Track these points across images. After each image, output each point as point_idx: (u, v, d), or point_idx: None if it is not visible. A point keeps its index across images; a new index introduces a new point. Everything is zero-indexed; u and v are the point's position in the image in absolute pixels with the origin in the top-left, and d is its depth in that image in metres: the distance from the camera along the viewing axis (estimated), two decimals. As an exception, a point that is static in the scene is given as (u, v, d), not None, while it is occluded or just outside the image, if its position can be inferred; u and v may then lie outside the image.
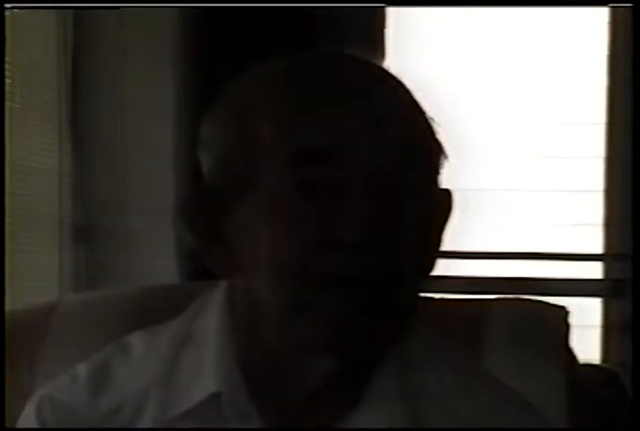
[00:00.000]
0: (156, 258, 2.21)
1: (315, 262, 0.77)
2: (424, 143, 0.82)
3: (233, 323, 0.86)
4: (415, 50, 2.34)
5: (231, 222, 0.82)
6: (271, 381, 0.84)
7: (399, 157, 0.79)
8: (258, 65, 0.86)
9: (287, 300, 0.79)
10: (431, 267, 0.82)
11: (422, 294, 0.83)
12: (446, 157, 0.83)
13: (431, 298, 0.99)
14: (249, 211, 0.80)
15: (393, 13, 2.22)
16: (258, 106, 0.81)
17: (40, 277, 2.14)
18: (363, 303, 0.78)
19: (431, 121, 0.83)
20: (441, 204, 0.84)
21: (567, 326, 1.13)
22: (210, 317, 0.87)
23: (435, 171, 0.83)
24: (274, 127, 0.80)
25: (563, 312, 1.14)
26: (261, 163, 0.79)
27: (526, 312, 1.14)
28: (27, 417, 0.87)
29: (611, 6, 2.24)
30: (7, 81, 1.95)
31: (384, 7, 2.14)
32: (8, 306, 1.33)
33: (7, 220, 1.82)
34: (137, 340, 0.90)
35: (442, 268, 0.84)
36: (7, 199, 1.78)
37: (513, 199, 2.39)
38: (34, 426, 0.86)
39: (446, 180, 0.84)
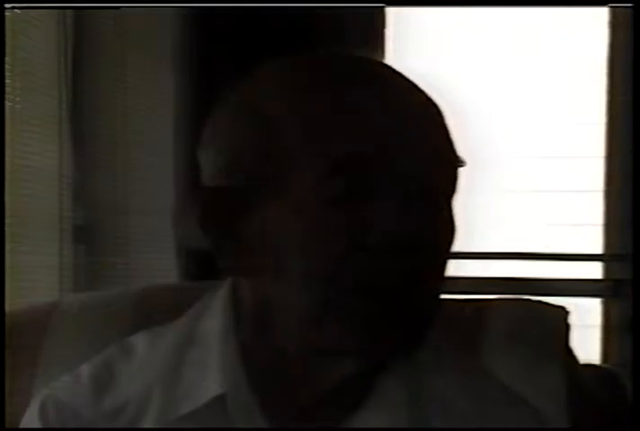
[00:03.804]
0: (156, 258, 2.21)
1: (347, 266, 0.77)
2: (449, 148, 0.82)
3: (237, 324, 0.85)
4: (415, 50, 2.34)
5: (250, 223, 0.81)
6: (278, 382, 0.84)
7: (429, 164, 0.80)
8: (274, 64, 0.85)
9: (315, 303, 0.78)
10: (447, 270, 0.83)
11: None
12: (464, 163, 0.83)
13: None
14: (272, 214, 0.79)
15: (393, 13, 2.22)
16: (283, 107, 0.80)
17: (39, 277, 2.14)
18: (392, 306, 0.78)
19: (449, 127, 0.83)
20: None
21: (567, 326, 1.13)
22: (214, 318, 0.87)
23: (456, 176, 0.83)
24: (305, 132, 0.79)
25: (563, 312, 1.14)
26: (287, 167, 0.78)
27: (526, 313, 1.14)
28: (30, 417, 0.87)
29: (611, 6, 2.24)
30: (7, 81, 1.95)
31: (384, 7, 2.15)
32: (8, 306, 1.32)
33: (7, 220, 1.82)
34: (140, 341, 0.90)
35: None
36: (7, 199, 1.78)
37: (513, 199, 2.39)
38: (37, 426, 0.86)
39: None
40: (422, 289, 0.80)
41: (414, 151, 0.79)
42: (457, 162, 0.82)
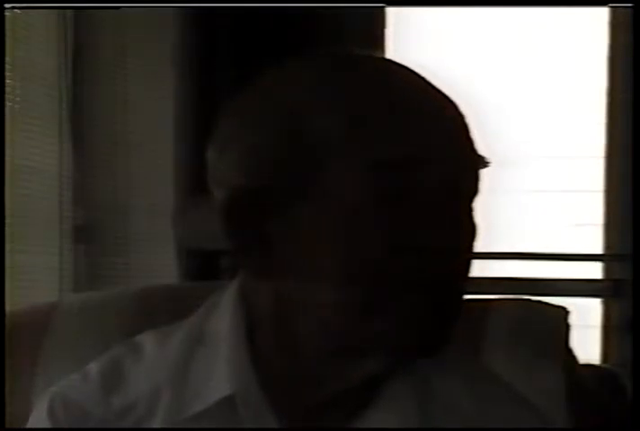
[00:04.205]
0: (156, 258, 2.22)
1: (386, 266, 0.77)
2: (475, 149, 0.82)
3: (247, 324, 0.85)
4: (415, 50, 2.34)
5: (279, 223, 0.80)
6: (290, 383, 0.84)
7: (463, 166, 0.80)
8: (298, 63, 0.84)
9: (352, 302, 0.78)
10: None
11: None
12: (489, 163, 0.84)
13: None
14: (306, 213, 0.79)
15: (393, 13, 2.22)
16: (318, 107, 0.79)
17: (39, 277, 2.14)
18: (428, 306, 0.79)
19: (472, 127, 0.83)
20: None
21: (567, 326, 1.13)
22: (222, 317, 0.87)
23: (480, 176, 0.83)
24: (343, 132, 0.78)
25: (563, 312, 1.14)
26: (322, 166, 0.78)
27: (526, 312, 1.14)
28: (39, 415, 0.87)
29: (611, 6, 2.24)
30: (7, 81, 1.95)
31: (384, 7, 2.15)
32: (8, 306, 1.32)
33: (7, 220, 1.82)
34: (148, 340, 0.90)
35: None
36: (7, 199, 1.78)
37: (513, 200, 2.39)
38: (46, 424, 0.86)
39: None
40: (455, 289, 0.80)
41: (451, 153, 0.80)
42: (482, 163, 0.83)
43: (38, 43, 2.15)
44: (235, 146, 0.82)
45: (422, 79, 0.83)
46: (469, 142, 0.82)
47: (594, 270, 2.35)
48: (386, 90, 0.80)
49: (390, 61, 0.85)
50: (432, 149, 0.79)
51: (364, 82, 0.81)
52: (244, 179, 0.81)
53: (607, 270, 2.34)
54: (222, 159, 0.83)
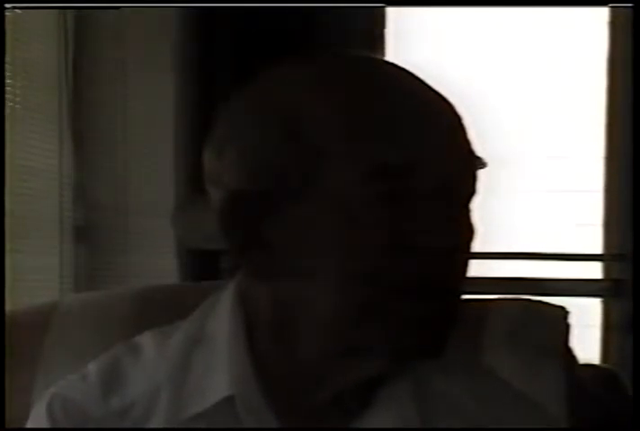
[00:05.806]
0: (156, 258, 2.22)
1: (384, 266, 0.77)
2: (473, 151, 0.82)
3: (246, 324, 0.85)
4: (415, 50, 2.34)
5: (278, 224, 0.80)
6: (290, 384, 0.84)
7: (460, 167, 0.81)
8: (296, 63, 0.84)
9: (351, 303, 0.78)
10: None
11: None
12: (485, 164, 0.84)
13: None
14: (305, 214, 0.79)
15: (393, 13, 2.23)
16: (315, 107, 0.79)
17: (40, 277, 2.15)
18: (426, 307, 0.79)
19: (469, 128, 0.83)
20: None
21: (567, 326, 1.13)
22: (221, 318, 0.87)
23: (477, 177, 0.83)
24: (343, 133, 0.78)
25: (563, 312, 1.14)
26: (320, 166, 0.78)
27: (526, 313, 1.14)
28: (38, 415, 0.87)
29: (611, 6, 2.24)
30: (7, 81, 1.95)
31: (384, 7, 2.15)
32: (8, 306, 1.32)
33: (7, 220, 1.82)
34: (147, 340, 0.90)
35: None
36: (7, 199, 1.78)
37: (513, 200, 2.39)
38: (45, 424, 0.86)
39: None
40: (454, 290, 0.80)
41: (448, 154, 0.80)
42: (479, 164, 0.83)
43: (38, 43, 2.15)
44: (234, 147, 0.82)
45: (419, 80, 0.83)
46: (466, 143, 0.82)
47: (594, 270, 2.35)
48: (385, 91, 0.80)
49: (387, 62, 0.85)
50: (430, 151, 0.79)
51: (362, 83, 0.81)
52: (243, 179, 0.81)
53: (607, 270, 2.34)
54: (220, 159, 0.83)
